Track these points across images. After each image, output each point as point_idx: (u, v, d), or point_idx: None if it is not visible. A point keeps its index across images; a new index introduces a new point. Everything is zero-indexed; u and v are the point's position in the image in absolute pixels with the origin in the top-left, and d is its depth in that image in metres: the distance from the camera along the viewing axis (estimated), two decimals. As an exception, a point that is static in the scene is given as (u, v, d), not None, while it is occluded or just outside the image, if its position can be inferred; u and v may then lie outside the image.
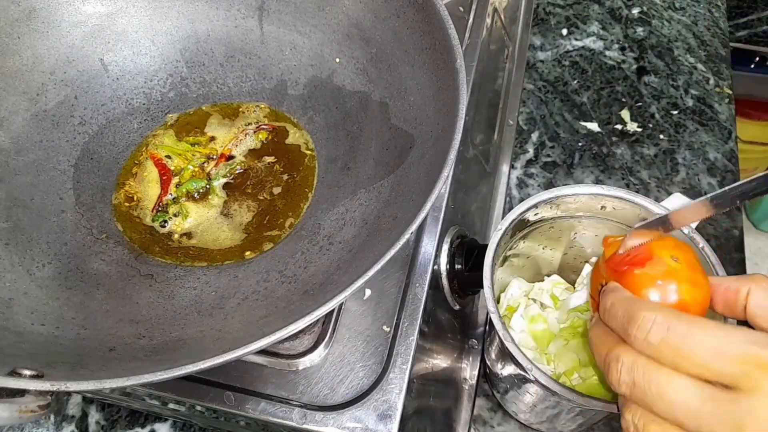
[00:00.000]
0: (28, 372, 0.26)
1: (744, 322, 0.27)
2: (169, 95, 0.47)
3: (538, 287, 0.46)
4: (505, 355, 0.35)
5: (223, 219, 0.42)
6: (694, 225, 0.45)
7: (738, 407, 0.20)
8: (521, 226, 0.41)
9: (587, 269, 0.44)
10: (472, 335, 0.51)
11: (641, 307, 0.24)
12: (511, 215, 0.39)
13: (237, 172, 0.44)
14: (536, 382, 0.33)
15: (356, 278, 0.28)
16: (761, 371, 0.20)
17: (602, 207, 0.40)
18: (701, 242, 0.36)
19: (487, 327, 0.48)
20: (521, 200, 0.61)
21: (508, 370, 0.40)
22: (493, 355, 0.43)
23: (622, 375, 0.24)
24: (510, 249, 0.43)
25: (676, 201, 0.53)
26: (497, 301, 0.43)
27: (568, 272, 0.47)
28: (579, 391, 0.33)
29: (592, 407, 0.32)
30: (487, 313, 0.36)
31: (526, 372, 0.33)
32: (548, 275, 0.47)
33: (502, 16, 0.61)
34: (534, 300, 0.45)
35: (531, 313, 0.44)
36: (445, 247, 0.42)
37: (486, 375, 0.50)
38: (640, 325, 0.23)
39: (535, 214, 0.41)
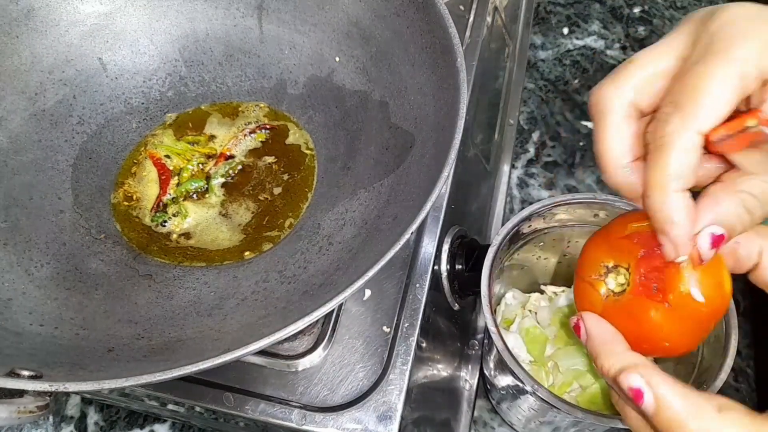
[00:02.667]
0: (26, 372, 0.26)
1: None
2: (168, 94, 0.47)
3: (535, 298, 0.46)
4: (504, 367, 0.35)
5: (222, 219, 0.42)
6: None
7: None
8: (515, 239, 0.41)
9: None
10: (472, 339, 0.51)
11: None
12: (504, 230, 0.39)
13: (236, 171, 0.44)
14: (534, 394, 0.33)
15: (356, 278, 0.27)
16: None
17: (595, 215, 0.40)
18: None
19: (486, 339, 0.48)
20: (522, 200, 0.61)
21: (505, 380, 0.40)
22: (491, 365, 0.43)
23: None
24: (506, 261, 0.43)
25: None
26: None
27: (562, 280, 0.47)
28: (579, 402, 0.33)
29: (591, 420, 0.32)
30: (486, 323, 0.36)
31: (525, 384, 0.33)
32: (544, 284, 0.47)
33: (503, 15, 0.61)
34: (530, 311, 0.45)
35: (526, 325, 0.44)
36: (445, 247, 0.42)
37: (484, 384, 0.49)
38: None
39: (529, 227, 0.41)
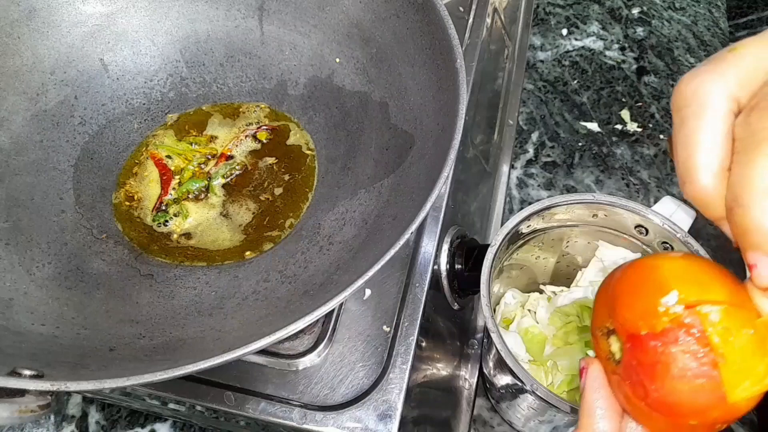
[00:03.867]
0: (28, 372, 0.26)
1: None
2: (169, 95, 0.47)
3: (534, 298, 0.46)
4: (503, 366, 0.35)
5: (222, 220, 0.42)
6: (687, 228, 0.45)
7: None
8: (515, 239, 0.41)
9: (580, 275, 0.44)
10: (471, 338, 0.51)
11: None
12: (504, 230, 0.39)
13: (237, 172, 0.44)
14: (533, 393, 0.33)
15: (356, 278, 0.28)
16: None
17: (594, 215, 0.40)
18: (695, 245, 0.36)
19: (485, 339, 0.48)
20: (521, 200, 0.62)
21: (505, 380, 0.40)
22: (490, 364, 0.43)
23: None
24: (505, 261, 0.43)
25: (667, 205, 0.53)
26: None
27: (562, 279, 0.47)
28: (578, 401, 0.33)
29: None
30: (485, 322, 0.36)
31: (524, 383, 0.33)
32: (543, 284, 0.47)
33: (502, 16, 0.61)
34: (529, 311, 0.46)
35: (525, 325, 0.44)
36: (445, 247, 0.42)
37: (484, 383, 0.50)
38: None
39: (528, 227, 0.41)
